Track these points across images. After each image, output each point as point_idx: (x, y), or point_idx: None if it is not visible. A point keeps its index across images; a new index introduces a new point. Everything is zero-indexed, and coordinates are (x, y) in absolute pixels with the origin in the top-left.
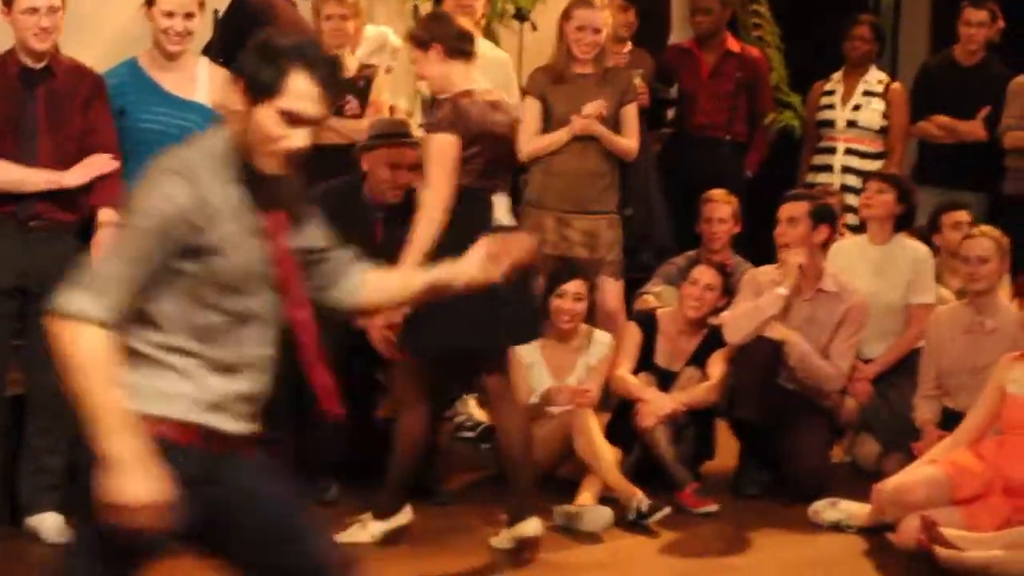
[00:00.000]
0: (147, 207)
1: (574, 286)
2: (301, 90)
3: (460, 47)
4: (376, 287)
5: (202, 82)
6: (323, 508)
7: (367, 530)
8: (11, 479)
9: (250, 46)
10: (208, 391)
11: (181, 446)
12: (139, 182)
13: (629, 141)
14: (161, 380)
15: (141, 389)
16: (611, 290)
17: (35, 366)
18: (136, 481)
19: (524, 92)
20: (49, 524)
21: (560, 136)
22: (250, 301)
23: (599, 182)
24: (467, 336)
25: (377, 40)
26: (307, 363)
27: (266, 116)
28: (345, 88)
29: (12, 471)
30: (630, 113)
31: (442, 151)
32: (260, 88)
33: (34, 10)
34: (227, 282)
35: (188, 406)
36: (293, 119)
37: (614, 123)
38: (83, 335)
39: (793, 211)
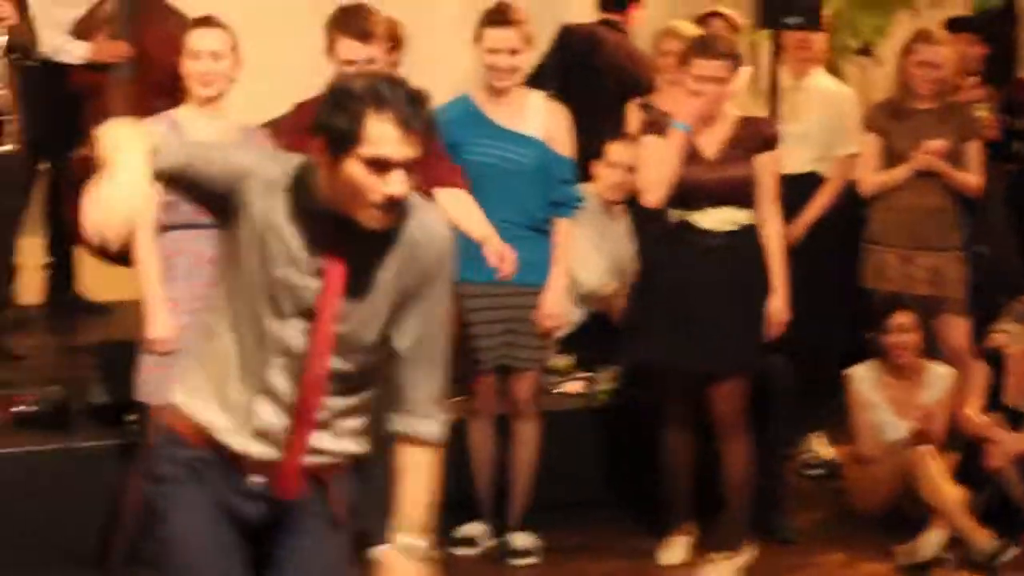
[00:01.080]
0: (238, 152)
1: (900, 319)
2: (383, 134)
3: None
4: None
5: (534, 116)
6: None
7: (718, 570)
8: None
9: (323, 97)
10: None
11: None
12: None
13: (973, 178)
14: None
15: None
16: (957, 328)
17: None
18: None
19: (864, 127)
20: None
21: (901, 172)
22: (281, 330)
23: (942, 218)
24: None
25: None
26: (296, 426)
27: (352, 168)
28: None
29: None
30: (973, 149)
31: None
32: (341, 138)
33: (351, 63)
34: (262, 292)
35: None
36: (381, 165)
37: (956, 159)
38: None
39: None
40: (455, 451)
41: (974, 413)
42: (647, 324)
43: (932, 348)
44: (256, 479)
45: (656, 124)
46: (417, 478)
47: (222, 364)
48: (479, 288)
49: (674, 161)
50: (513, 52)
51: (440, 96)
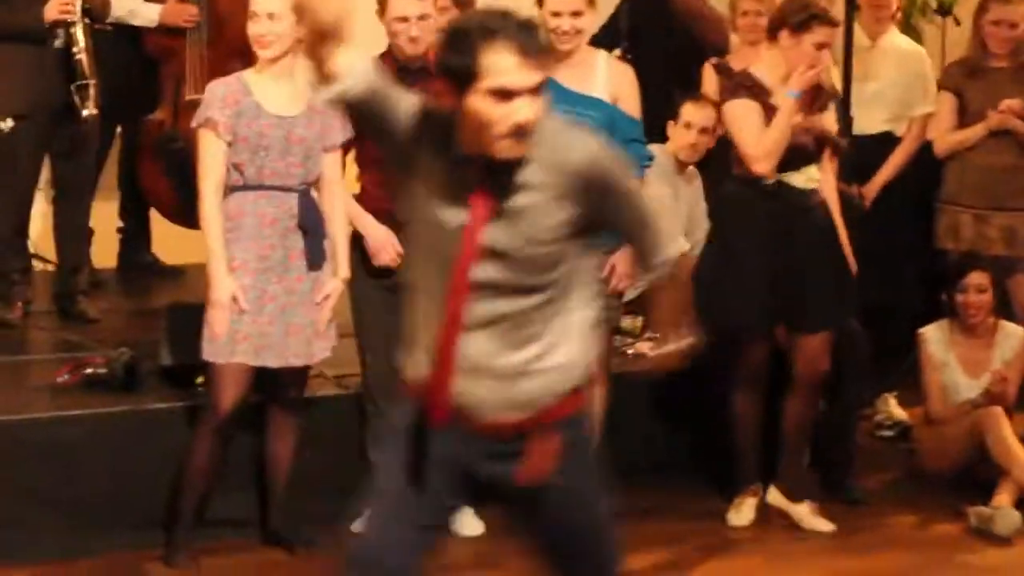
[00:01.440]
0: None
1: (976, 278)
2: (499, 64)
3: None
4: None
5: (600, 77)
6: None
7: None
8: None
9: (439, 39)
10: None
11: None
12: None
13: None
14: None
15: None
16: None
17: None
18: None
19: (940, 86)
20: (462, 517)
21: (976, 131)
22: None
23: (1017, 177)
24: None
25: None
26: (436, 363)
27: (477, 103)
28: None
29: None
30: None
31: None
32: (460, 77)
33: (405, 19)
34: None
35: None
36: (504, 94)
37: None
38: None
39: None
40: None
41: None
42: (736, 284)
43: (1005, 308)
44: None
45: (743, 87)
46: (668, 301)
47: (416, 315)
48: None
49: (787, 129)
50: (575, 14)
51: None
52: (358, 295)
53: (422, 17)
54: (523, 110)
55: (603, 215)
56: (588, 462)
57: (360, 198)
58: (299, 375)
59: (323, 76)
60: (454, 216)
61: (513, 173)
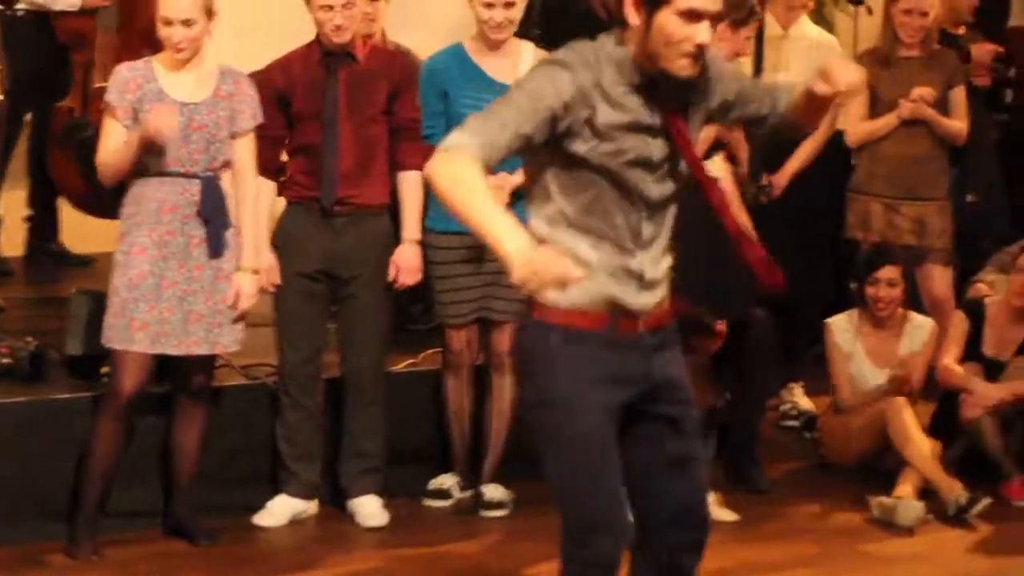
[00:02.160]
0: (531, 87)
1: (887, 272)
2: None
3: None
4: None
5: (525, 67)
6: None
7: None
8: (332, 462)
9: None
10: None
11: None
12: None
13: (959, 124)
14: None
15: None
16: (939, 278)
17: (351, 349)
18: (545, 259)
19: None
20: (368, 507)
21: (888, 120)
22: (646, 189)
23: (928, 167)
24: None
25: None
26: (735, 240)
27: (667, 21)
28: None
29: (334, 454)
30: (959, 96)
31: None
32: None
33: (330, 7)
34: (619, 171)
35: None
36: (692, 16)
37: (943, 106)
38: (456, 160)
39: None
40: (430, 404)
41: (951, 363)
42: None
43: (913, 297)
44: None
45: None
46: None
47: (594, 263)
48: (458, 239)
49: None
50: (508, 5)
51: (429, 48)
52: (283, 285)
53: (347, 5)
54: (705, 32)
55: (736, 97)
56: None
57: (287, 186)
58: (203, 364)
59: None
60: (651, 139)
61: (689, 89)
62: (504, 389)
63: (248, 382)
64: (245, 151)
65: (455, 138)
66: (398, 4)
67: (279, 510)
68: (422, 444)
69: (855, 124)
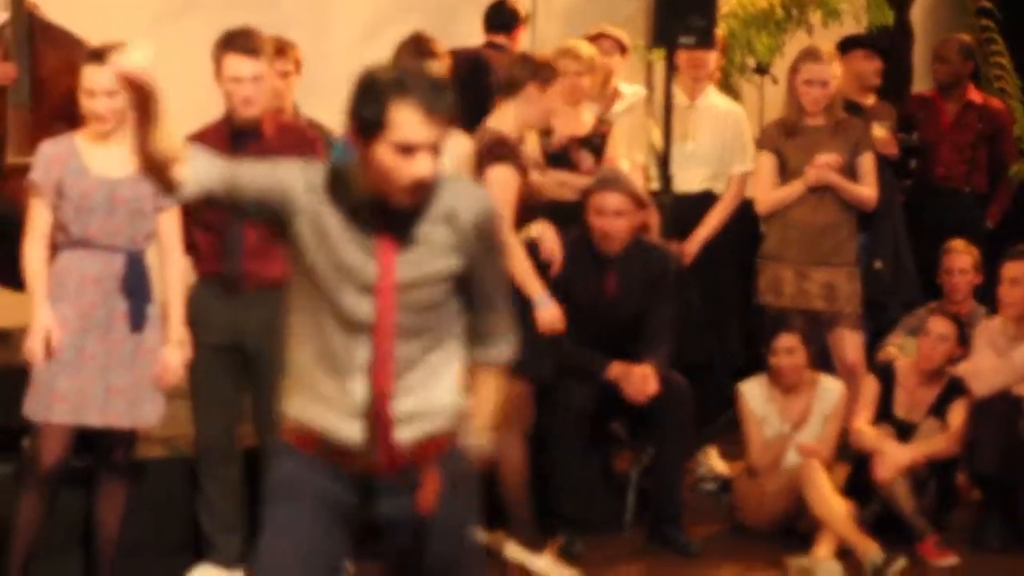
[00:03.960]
0: (276, 170)
1: (784, 341)
2: (406, 120)
3: None
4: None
5: None
6: (570, 561)
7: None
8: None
9: (353, 87)
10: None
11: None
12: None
13: (867, 190)
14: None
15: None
16: (850, 342)
17: (265, 421)
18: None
19: (758, 146)
20: None
21: (796, 188)
22: (350, 311)
23: (837, 234)
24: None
25: (633, 98)
26: (376, 401)
27: (382, 152)
28: (581, 144)
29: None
30: (867, 162)
31: None
32: (368, 126)
33: (238, 80)
34: (322, 283)
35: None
36: (407, 149)
37: (851, 173)
38: None
39: (1017, 271)
40: None
41: (863, 426)
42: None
43: (827, 360)
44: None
45: (497, 152)
46: (488, 394)
47: (308, 368)
48: None
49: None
50: None
51: (332, 122)
52: (195, 358)
53: (255, 78)
54: (423, 165)
55: (474, 273)
56: (466, 497)
57: (196, 258)
58: (125, 438)
59: (162, 176)
60: (360, 259)
61: (412, 220)
62: None
63: (169, 454)
64: (171, 225)
65: None
66: (309, 77)
67: None
68: None
69: (764, 192)
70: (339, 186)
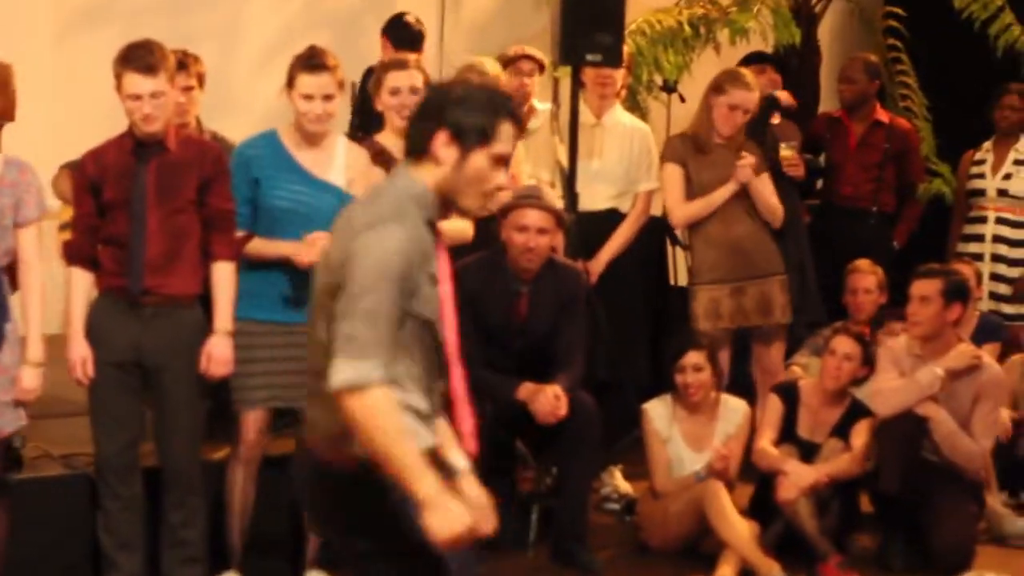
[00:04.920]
0: (386, 262)
1: (692, 358)
2: (508, 135)
3: None
4: None
5: (339, 162)
6: None
7: None
8: (155, 553)
9: (455, 98)
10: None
11: None
12: (358, 241)
13: (777, 203)
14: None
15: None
16: (776, 352)
17: (165, 439)
18: (452, 511)
19: (664, 158)
20: None
21: (719, 196)
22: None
23: (759, 243)
24: None
25: (545, 115)
26: (456, 400)
27: (481, 161)
28: None
29: (154, 545)
30: (765, 181)
31: None
32: (477, 136)
33: (137, 97)
34: (429, 316)
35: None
36: (501, 161)
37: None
38: (372, 400)
39: (925, 289)
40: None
41: (767, 446)
42: None
43: (740, 376)
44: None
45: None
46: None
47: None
48: (265, 327)
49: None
50: (327, 98)
51: (237, 136)
52: (95, 376)
53: (154, 95)
54: (503, 177)
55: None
56: None
57: (98, 273)
58: None
59: None
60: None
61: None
62: None
63: (67, 472)
64: (30, 241)
65: (360, 372)
66: (213, 90)
67: None
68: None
69: (677, 203)
70: (429, 212)
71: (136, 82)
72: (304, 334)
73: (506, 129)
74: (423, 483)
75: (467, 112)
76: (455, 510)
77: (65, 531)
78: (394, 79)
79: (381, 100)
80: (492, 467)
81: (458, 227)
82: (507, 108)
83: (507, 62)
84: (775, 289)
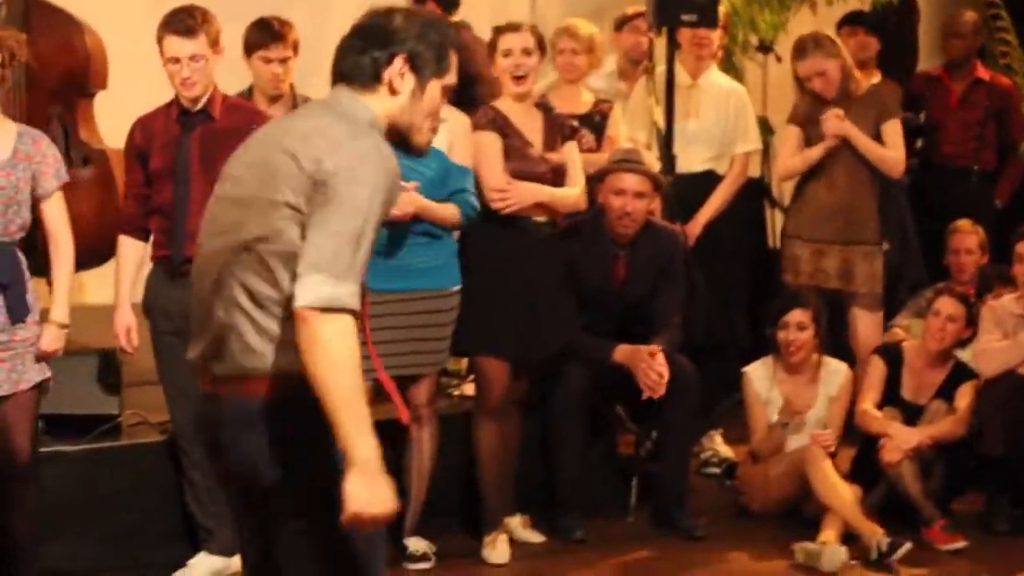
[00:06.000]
0: (376, 179)
1: (796, 316)
2: (455, 66)
3: None
4: None
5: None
6: (571, 546)
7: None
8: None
9: (411, 27)
10: None
11: None
12: (340, 155)
13: (893, 152)
14: None
15: None
16: (867, 322)
17: None
18: (382, 489)
19: (789, 120)
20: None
21: (816, 151)
22: None
23: (852, 213)
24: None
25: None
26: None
27: (436, 91)
28: (581, 123)
29: None
30: (892, 129)
31: None
32: (434, 66)
33: (176, 60)
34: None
35: None
36: (447, 93)
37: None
38: (343, 325)
39: None
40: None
41: (870, 408)
42: (483, 312)
43: (841, 341)
44: None
45: (488, 120)
46: None
47: None
48: (381, 297)
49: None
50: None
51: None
52: (155, 346)
53: (193, 58)
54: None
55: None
56: None
57: (152, 244)
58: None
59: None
60: None
61: None
62: (423, 442)
63: (164, 439)
64: (55, 210)
65: (338, 293)
66: (306, 54)
67: (199, 569)
68: None
69: (784, 161)
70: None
71: (175, 45)
72: (398, 302)
73: (455, 59)
74: (364, 442)
75: (422, 40)
76: (384, 490)
77: (161, 499)
78: (507, 41)
79: (496, 64)
80: (590, 432)
81: (572, 194)
82: (454, 37)
83: (623, 21)
84: (858, 258)
